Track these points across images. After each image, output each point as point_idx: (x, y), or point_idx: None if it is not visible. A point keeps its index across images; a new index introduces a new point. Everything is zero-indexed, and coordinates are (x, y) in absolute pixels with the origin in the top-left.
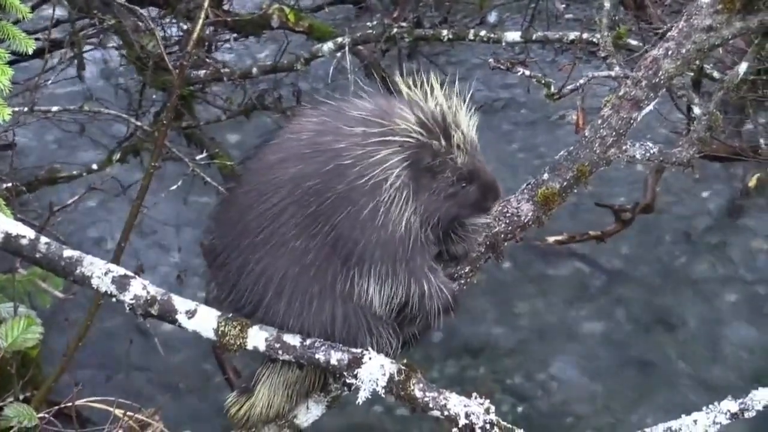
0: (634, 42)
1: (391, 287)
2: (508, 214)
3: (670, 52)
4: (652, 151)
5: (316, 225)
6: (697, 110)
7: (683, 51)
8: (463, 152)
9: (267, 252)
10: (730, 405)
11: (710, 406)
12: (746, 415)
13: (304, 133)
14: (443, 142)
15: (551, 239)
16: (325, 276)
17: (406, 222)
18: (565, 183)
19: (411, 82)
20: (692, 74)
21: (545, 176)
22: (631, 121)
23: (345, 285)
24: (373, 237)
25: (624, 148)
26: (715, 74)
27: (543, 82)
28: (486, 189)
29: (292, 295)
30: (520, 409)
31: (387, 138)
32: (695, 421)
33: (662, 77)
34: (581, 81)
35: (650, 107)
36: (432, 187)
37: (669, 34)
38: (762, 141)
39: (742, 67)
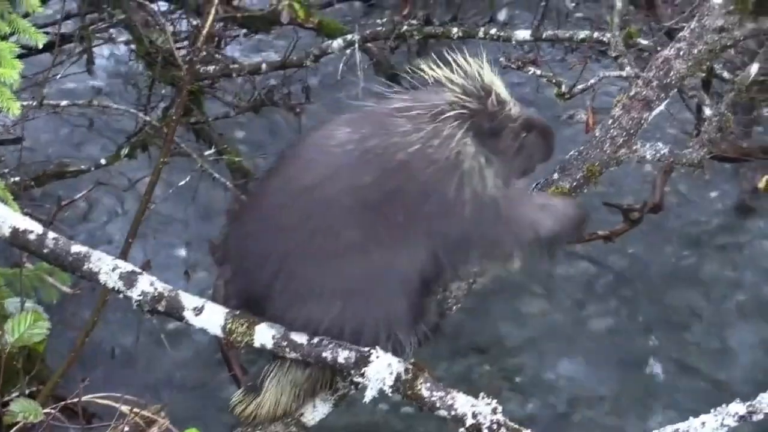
0: (644, 42)
1: (493, 254)
2: None
3: (681, 53)
4: (662, 152)
5: (400, 231)
6: (708, 111)
7: (695, 52)
8: (510, 104)
9: (331, 273)
10: (738, 407)
11: (718, 408)
12: (754, 418)
13: (346, 145)
14: (492, 102)
15: None
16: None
17: (491, 185)
18: (575, 183)
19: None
20: (703, 74)
21: (555, 176)
22: (642, 122)
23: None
24: (472, 209)
25: (634, 148)
26: (725, 74)
27: (554, 81)
28: (544, 132)
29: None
30: (527, 408)
31: (441, 116)
32: (703, 423)
33: (673, 78)
34: (592, 81)
35: (661, 108)
36: (499, 147)
37: (680, 34)
38: None
39: (754, 68)
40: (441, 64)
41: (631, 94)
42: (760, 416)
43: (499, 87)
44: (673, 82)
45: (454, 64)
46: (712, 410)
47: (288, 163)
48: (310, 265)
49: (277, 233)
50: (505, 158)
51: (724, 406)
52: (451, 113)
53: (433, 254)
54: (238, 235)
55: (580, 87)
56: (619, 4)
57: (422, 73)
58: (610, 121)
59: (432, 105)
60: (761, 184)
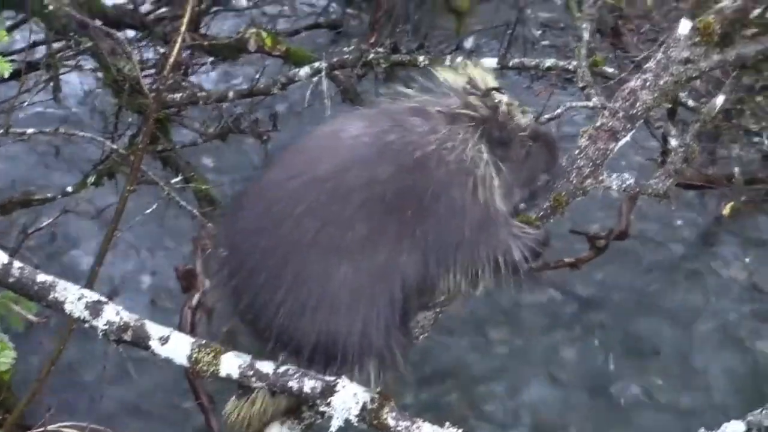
0: (610, 69)
1: (477, 269)
2: None
3: (647, 84)
4: (628, 182)
5: (409, 227)
6: (673, 142)
7: (661, 83)
8: (519, 114)
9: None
10: None
11: None
12: None
13: (362, 138)
14: (503, 111)
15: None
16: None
17: (498, 196)
18: (541, 213)
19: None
20: (668, 105)
21: (522, 205)
22: (608, 152)
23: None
24: (474, 217)
25: (601, 178)
26: (690, 103)
27: (522, 111)
28: (550, 143)
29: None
30: None
31: (457, 119)
32: None
33: (640, 108)
34: (559, 110)
35: (627, 138)
36: (508, 155)
37: (646, 65)
38: (736, 169)
39: (720, 99)
40: (451, 69)
41: (598, 124)
42: None
43: (507, 98)
44: (639, 112)
45: (462, 71)
46: None
47: (294, 155)
48: (319, 259)
49: (287, 224)
50: (512, 167)
51: None
52: (466, 117)
53: (425, 260)
54: (238, 230)
55: (547, 117)
56: (586, 36)
57: (434, 75)
58: (577, 152)
59: (447, 107)
60: (726, 211)
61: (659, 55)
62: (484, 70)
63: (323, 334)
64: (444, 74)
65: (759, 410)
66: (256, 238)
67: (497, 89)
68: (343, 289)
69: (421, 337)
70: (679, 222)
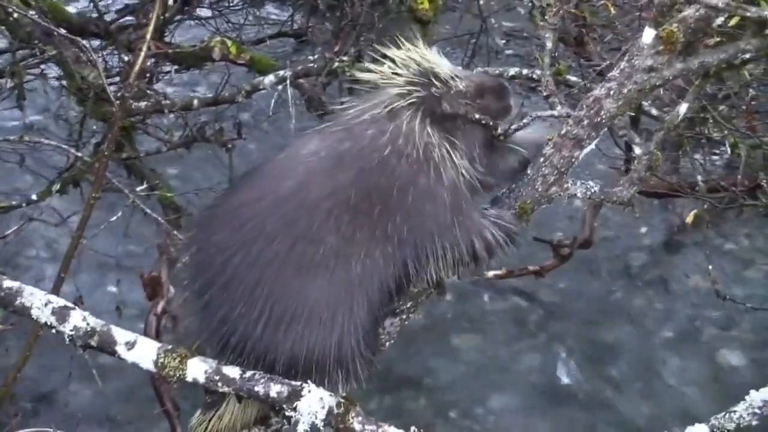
0: (574, 78)
1: (458, 251)
2: None
3: (612, 92)
4: (593, 190)
5: (379, 226)
6: (637, 150)
7: (625, 91)
8: (455, 79)
9: (310, 275)
10: None
11: None
12: None
13: (319, 152)
14: (437, 83)
15: (490, 274)
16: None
17: (463, 171)
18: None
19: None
20: (632, 113)
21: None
22: (573, 160)
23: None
24: (444, 201)
25: (565, 186)
26: (654, 111)
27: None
28: (497, 91)
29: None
30: None
31: (396, 113)
32: None
33: (604, 117)
34: (525, 120)
35: (592, 146)
36: (458, 125)
37: (610, 74)
38: (699, 178)
39: (683, 108)
40: (378, 61)
41: (562, 132)
42: None
43: (440, 66)
44: (603, 121)
45: (389, 60)
46: None
47: (258, 177)
48: (293, 275)
49: (259, 243)
50: (467, 133)
51: None
52: (404, 106)
53: (402, 256)
54: (209, 248)
55: (514, 127)
56: (549, 45)
57: (362, 78)
58: (542, 160)
59: (381, 103)
60: (689, 219)
61: (623, 64)
62: (417, 52)
63: (299, 348)
64: (373, 72)
65: (722, 414)
66: (229, 256)
67: (431, 67)
68: (319, 303)
69: (387, 344)
70: (642, 230)
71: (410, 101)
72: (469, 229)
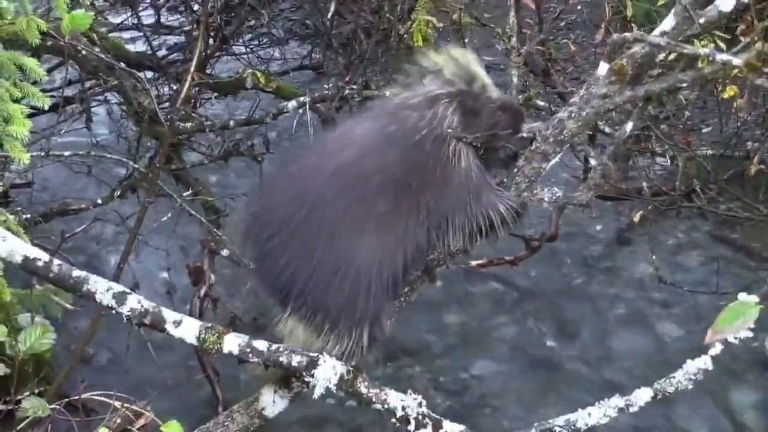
0: (541, 103)
1: (473, 224)
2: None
3: (573, 115)
4: (557, 195)
5: (416, 198)
6: (593, 161)
7: (584, 114)
8: (492, 89)
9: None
10: (617, 401)
11: (601, 401)
12: (631, 409)
13: (370, 133)
14: (476, 86)
15: (474, 263)
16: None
17: (471, 156)
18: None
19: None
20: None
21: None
22: (541, 170)
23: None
24: (461, 182)
25: (535, 192)
26: (607, 129)
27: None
28: (516, 114)
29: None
30: (447, 403)
31: (436, 101)
32: (589, 414)
33: (566, 135)
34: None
35: (556, 159)
36: (478, 122)
37: (572, 100)
38: (644, 184)
39: (629, 126)
40: (439, 53)
41: (532, 148)
42: (635, 409)
43: (484, 75)
44: (566, 138)
45: (447, 55)
46: (597, 403)
47: (316, 151)
48: (348, 231)
49: (317, 205)
50: (481, 132)
51: (606, 399)
52: (444, 95)
53: (428, 225)
54: (276, 204)
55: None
56: (515, 80)
57: (422, 63)
58: (516, 170)
59: (427, 92)
60: (636, 219)
61: (582, 92)
62: (464, 53)
63: (346, 295)
64: (432, 58)
65: (663, 379)
66: (292, 214)
67: (477, 71)
68: (366, 259)
69: (389, 322)
70: (598, 227)
71: (449, 91)
72: (484, 205)
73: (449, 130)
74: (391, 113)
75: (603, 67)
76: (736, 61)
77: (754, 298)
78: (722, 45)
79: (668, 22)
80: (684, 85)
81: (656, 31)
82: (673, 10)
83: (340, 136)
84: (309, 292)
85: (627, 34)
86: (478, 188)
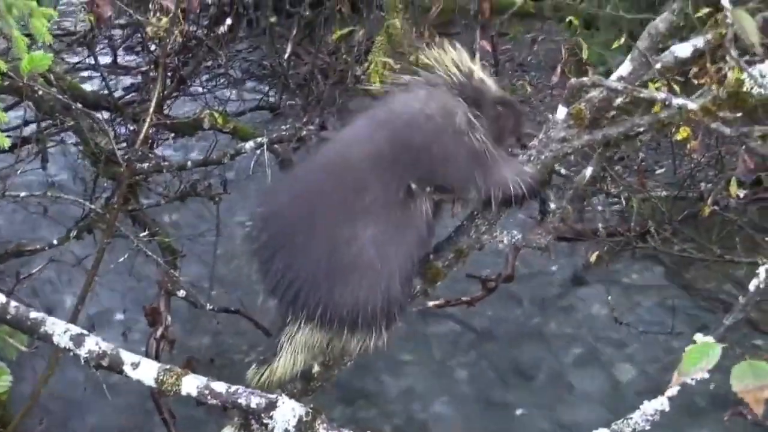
0: None
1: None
2: None
3: (532, 158)
4: (516, 238)
5: (410, 177)
6: (552, 205)
7: (542, 157)
8: (491, 84)
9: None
10: None
11: None
12: None
13: (360, 127)
14: (476, 80)
15: (431, 303)
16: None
17: (479, 136)
18: (447, 262)
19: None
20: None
21: (431, 257)
22: (501, 213)
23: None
24: (464, 155)
25: (494, 234)
26: (563, 171)
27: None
28: (516, 111)
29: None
30: None
31: (435, 86)
32: None
33: None
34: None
35: None
36: (478, 114)
37: (531, 143)
38: (600, 225)
39: (589, 170)
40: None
41: None
42: None
43: (479, 69)
44: None
45: (444, 50)
46: None
47: (320, 153)
48: (344, 222)
49: (312, 201)
50: (483, 123)
51: None
52: (444, 83)
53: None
54: (279, 205)
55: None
56: None
57: (423, 57)
58: (475, 212)
59: (426, 81)
60: (592, 259)
61: (541, 135)
62: (461, 52)
63: (356, 294)
64: (430, 56)
65: (620, 420)
66: (290, 214)
67: (476, 66)
68: (367, 247)
69: (348, 363)
70: (554, 267)
71: (449, 81)
72: (491, 181)
73: (454, 106)
74: (383, 105)
75: (561, 111)
76: (692, 105)
77: (710, 339)
78: (676, 88)
79: (625, 67)
80: (642, 129)
81: (614, 76)
82: (629, 56)
83: (336, 138)
84: (320, 296)
85: (585, 79)
86: (487, 161)
